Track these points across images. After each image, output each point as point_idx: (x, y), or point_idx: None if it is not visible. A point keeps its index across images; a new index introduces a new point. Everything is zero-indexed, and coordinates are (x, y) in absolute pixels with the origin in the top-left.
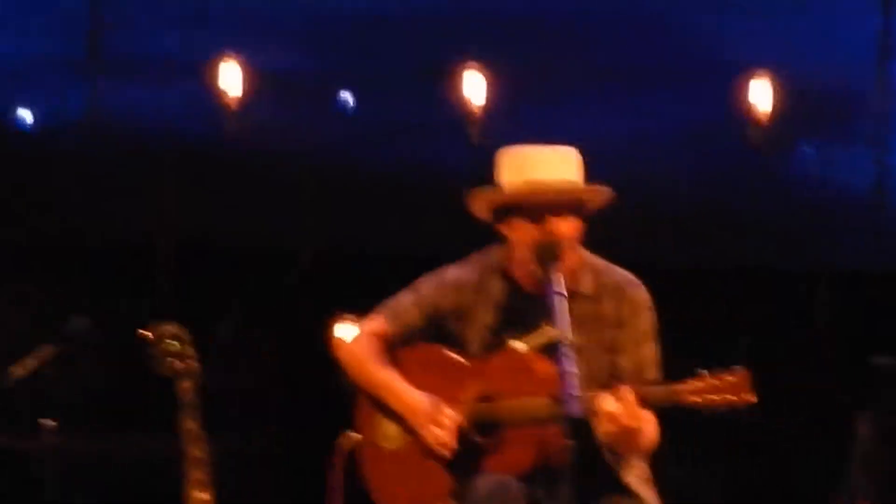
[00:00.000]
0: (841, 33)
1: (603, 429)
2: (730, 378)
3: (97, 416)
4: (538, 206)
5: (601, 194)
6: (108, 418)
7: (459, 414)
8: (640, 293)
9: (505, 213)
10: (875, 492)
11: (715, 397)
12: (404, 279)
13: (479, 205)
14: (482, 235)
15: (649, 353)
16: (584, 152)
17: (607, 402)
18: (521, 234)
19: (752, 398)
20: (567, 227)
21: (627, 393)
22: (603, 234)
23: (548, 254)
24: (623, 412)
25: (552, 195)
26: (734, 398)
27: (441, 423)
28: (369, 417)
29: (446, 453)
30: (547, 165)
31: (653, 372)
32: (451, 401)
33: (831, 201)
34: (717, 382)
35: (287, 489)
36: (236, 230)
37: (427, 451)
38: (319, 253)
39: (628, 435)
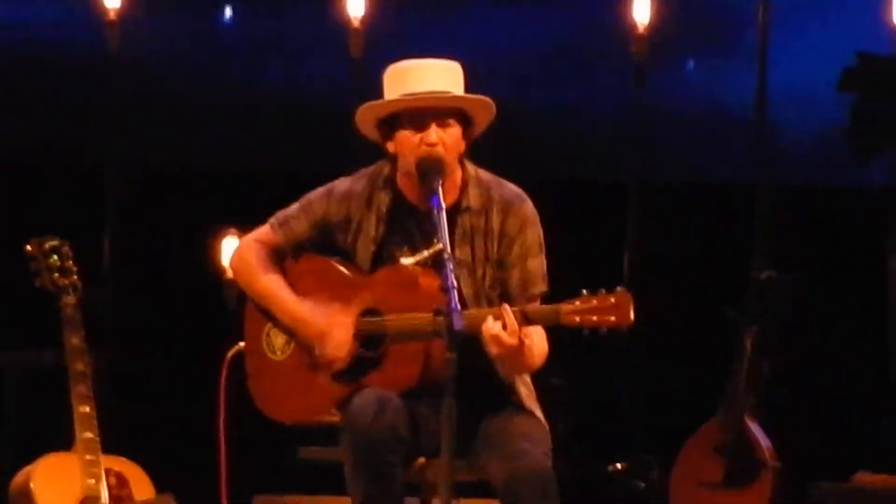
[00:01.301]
0: None
1: (491, 351)
2: (611, 299)
3: None
4: (417, 114)
5: (481, 104)
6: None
7: (349, 325)
8: (527, 207)
9: (389, 127)
10: (758, 406)
11: (595, 318)
12: (288, 197)
13: (364, 120)
14: (363, 151)
15: (536, 266)
16: (466, 67)
17: (489, 324)
18: (404, 145)
19: (631, 320)
20: (448, 137)
21: (507, 312)
22: (488, 151)
23: (430, 169)
24: (504, 332)
25: (430, 102)
26: (614, 319)
27: (334, 338)
28: (256, 327)
29: (337, 368)
30: (428, 77)
31: (541, 285)
32: (337, 314)
33: (712, 116)
34: (597, 303)
35: (174, 402)
36: (115, 145)
37: (313, 364)
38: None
39: (513, 354)
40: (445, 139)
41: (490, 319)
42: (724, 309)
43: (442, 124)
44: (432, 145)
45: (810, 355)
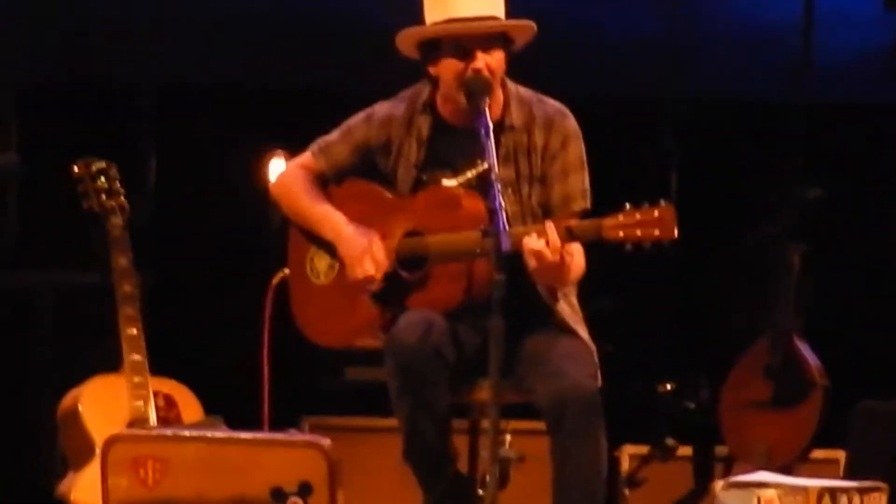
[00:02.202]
0: None
1: (529, 265)
2: (654, 213)
3: (26, 252)
4: (462, 41)
5: (525, 29)
6: (38, 254)
7: (389, 248)
8: (570, 123)
9: (431, 51)
10: (804, 325)
11: (639, 232)
12: (333, 115)
13: (406, 43)
14: (409, 74)
15: (577, 183)
16: None
17: (532, 240)
18: (447, 70)
19: (675, 234)
20: (493, 61)
21: (551, 229)
22: (527, 67)
23: (476, 88)
24: (547, 248)
25: (475, 30)
26: (658, 233)
27: (372, 257)
28: (299, 253)
29: (373, 288)
30: (471, 1)
31: (582, 202)
32: (380, 236)
33: (757, 34)
34: (641, 217)
35: (220, 324)
36: (158, 64)
37: (356, 286)
38: (245, 87)
39: (554, 270)
40: (490, 63)
41: (534, 235)
42: (767, 228)
43: (487, 49)
44: (478, 71)
45: (855, 274)
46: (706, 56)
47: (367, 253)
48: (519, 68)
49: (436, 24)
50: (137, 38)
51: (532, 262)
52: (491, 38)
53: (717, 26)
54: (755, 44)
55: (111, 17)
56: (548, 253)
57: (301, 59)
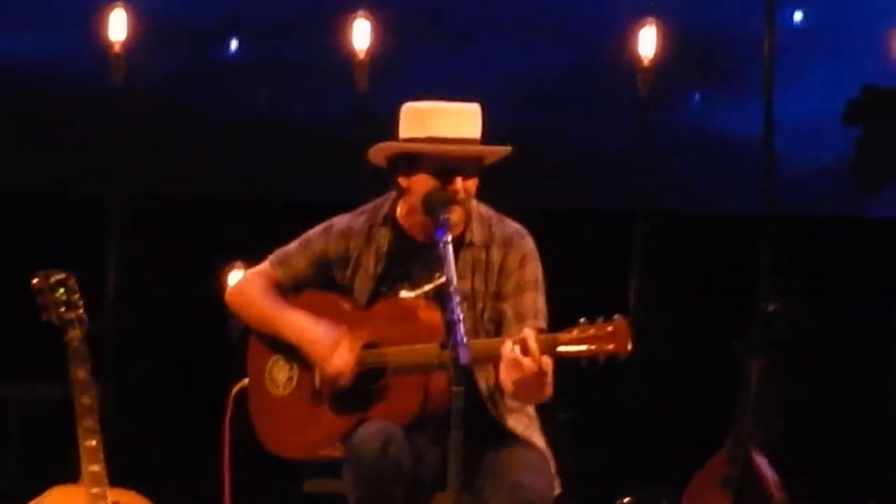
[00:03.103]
0: None
1: (509, 376)
2: (608, 328)
3: None
4: (444, 163)
5: (503, 154)
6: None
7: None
8: (527, 243)
9: (406, 164)
10: (766, 438)
11: (593, 347)
12: (294, 225)
13: (376, 153)
14: (373, 182)
15: (531, 301)
16: (469, 98)
17: (509, 348)
18: (422, 186)
19: (629, 349)
20: (470, 185)
21: (531, 338)
22: (494, 180)
23: (438, 202)
24: (528, 357)
25: (460, 154)
26: (612, 348)
27: (341, 351)
28: (258, 364)
29: (346, 381)
30: (451, 121)
31: (536, 321)
32: (343, 330)
33: (718, 148)
34: (595, 332)
35: (181, 435)
36: (118, 176)
37: (315, 397)
38: (205, 200)
39: (534, 379)
40: (469, 187)
41: (509, 344)
42: (733, 342)
43: (468, 175)
44: (456, 193)
45: (818, 386)
46: (669, 171)
47: (334, 349)
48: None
49: (416, 139)
50: (101, 148)
51: (512, 373)
52: (473, 162)
53: (680, 141)
54: (717, 158)
55: (76, 125)
56: (527, 362)
57: (264, 171)
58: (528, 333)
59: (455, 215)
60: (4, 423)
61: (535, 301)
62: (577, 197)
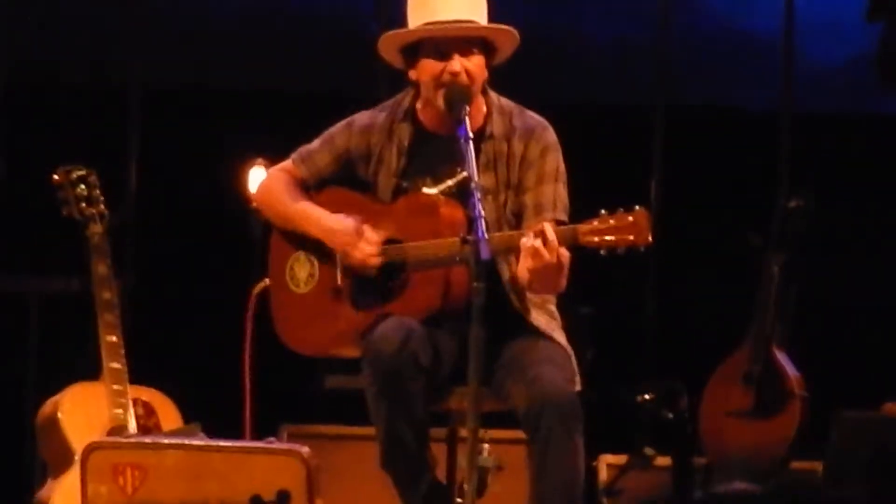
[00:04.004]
0: None
1: (526, 265)
2: (629, 218)
3: (3, 260)
4: (440, 43)
5: (505, 35)
6: (17, 260)
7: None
8: (549, 134)
9: (411, 55)
10: (784, 334)
11: (613, 237)
12: (314, 120)
13: (387, 48)
14: (387, 77)
15: (550, 192)
16: None
17: (529, 238)
18: (426, 73)
19: (649, 240)
20: (471, 66)
21: (549, 230)
22: (511, 75)
23: (457, 97)
24: (546, 248)
25: (453, 32)
26: (633, 238)
27: (367, 239)
28: (280, 262)
29: (374, 267)
30: (451, 4)
31: (553, 211)
32: (366, 220)
33: (739, 42)
34: (615, 222)
35: (201, 332)
36: (138, 69)
37: (335, 294)
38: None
39: (551, 271)
40: (469, 67)
41: (531, 235)
42: (750, 235)
43: (465, 53)
44: (455, 74)
45: (837, 283)
46: (690, 64)
47: (359, 234)
48: (503, 76)
49: (415, 27)
50: (122, 41)
51: (529, 262)
52: (469, 41)
53: (700, 35)
54: (738, 52)
55: (94, 18)
56: (545, 252)
57: (285, 64)
58: (547, 225)
59: (470, 93)
60: (24, 317)
61: (556, 192)
62: (595, 91)
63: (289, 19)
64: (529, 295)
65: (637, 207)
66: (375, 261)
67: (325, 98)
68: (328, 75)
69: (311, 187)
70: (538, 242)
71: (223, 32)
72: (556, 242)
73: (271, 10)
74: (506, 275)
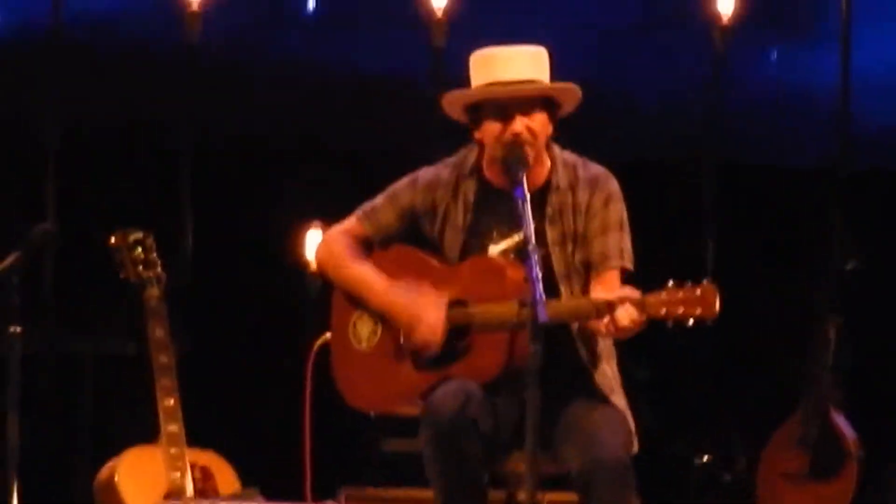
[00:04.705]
0: None
1: (618, 331)
2: (697, 291)
3: (62, 321)
4: (502, 104)
5: (567, 92)
6: (73, 323)
7: (440, 310)
8: (612, 184)
9: (475, 115)
10: (842, 397)
11: (681, 310)
12: (374, 181)
13: (452, 107)
14: (449, 137)
15: (616, 241)
16: (548, 48)
17: (626, 310)
18: (489, 133)
19: (717, 313)
20: (534, 124)
21: (634, 296)
22: (570, 132)
23: (514, 158)
24: (637, 317)
25: (514, 93)
26: (700, 312)
27: (428, 321)
28: (343, 317)
29: (432, 352)
30: (513, 65)
31: (619, 260)
32: (430, 296)
33: (795, 103)
34: (684, 295)
35: (257, 394)
36: (198, 133)
37: (399, 353)
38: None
39: (622, 335)
40: (532, 126)
41: (620, 310)
42: (812, 298)
43: (527, 112)
44: (517, 135)
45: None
46: (743, 122)
47: (423, 316)
48: (561, 133)
49: (478, 87)
50: (181, 105)
51: (624, 331)
52: (531, 101)
53: (753, 92)
54: (793, 110)
55: (156, 83)
56: (638, 323)
57: (341, 125)
58: (626, 296)
59: (527, 155)
60: (79, 379)
61: (621, 241)
62: (650, 151)
63: (345, 78)
64: (599, 346)
65: (705, 281)
66: (434, 349)
67: (380, 156)
68: (384, 134)
69: (375, 245)
70: (634, 314)
71: (280, 90)
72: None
73: (326, 68)
74: (576, 326)
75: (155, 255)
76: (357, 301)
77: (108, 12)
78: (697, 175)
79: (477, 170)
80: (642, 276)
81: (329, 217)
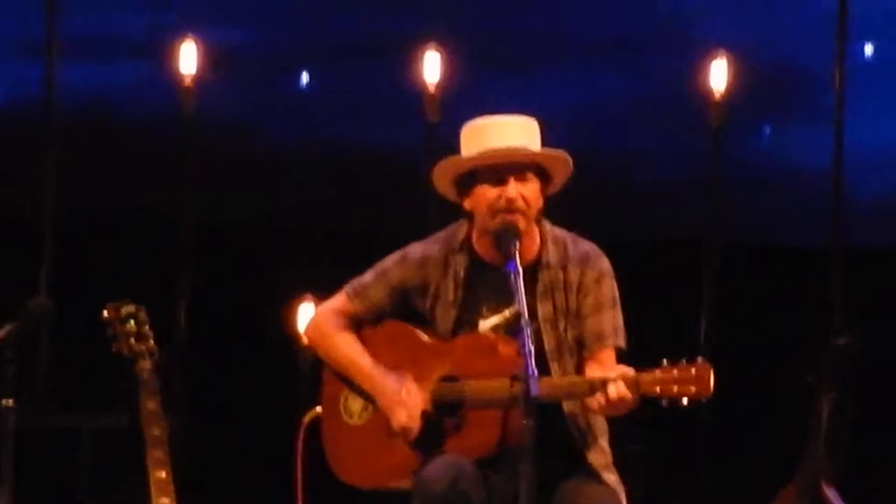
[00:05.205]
0: (799, 11)
1: (610, 409)
2: (692, 371)
3: (55, 395)
4: (495, 169)
5: (559, 162)
6: (67, 397)
7: (424, 392)
8: (603, 261)
9: (466, 184)
10: (836, 471)
11: (675, 388)
12: (365, 259)
13: (441, 177)
14: (441, 214)
15: (610, 319)
16: (541, 125)
17: (618, 388)
18: (482, 200)
19: (711, 392)
20: (527, 192)
21: (619, 384)
22: (562, 209)
23: (506, 234)
24: (630, 396)
25: (509, 157)
26: (695, 390)
27: (407, 406)
28: (333, 392)
29: (410, 437)
30: (506, 133)
31: (614, 339)
32: (417, 380)
33: (788, 180)
34: (678, 374)
35: (250, 467)
36: (190, 208)
37: (391, 430)
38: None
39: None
40: (525, 194)
41: (619, 384)
42: (802, 373)
43: (521, 178)
44: (512, 200)
45: (889, 419)
46: (737, 201)
47: (402, 402)
48: (553, 212)
49: (470, 153)
50: (171, 180)
51: (615, 409)
52: (524, 167)
53: (749, 173)
54: (787, 191)
55: (149, 158)
56: (630, 400)
57: (334, 201)
58: (618, 378)
59: (517, 222)
60: (75, 452)
61: (614, 319)
62: (644, 227)
63: (339, 154)
64: (591, 424)
65: (699, 359)
66: (412, 436)
67: (374, 235)
68: (376, 210)
69: (366, 322)
70: (624, 391)
71: (272, 170)
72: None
73: (322, 145)
74: (568, 404)
75: (147, 328)
76: (345, 380)
77: (102, 88)
78: (695, 253)
79: (467, 244)
80: (636, 354)
81: (321, 291)
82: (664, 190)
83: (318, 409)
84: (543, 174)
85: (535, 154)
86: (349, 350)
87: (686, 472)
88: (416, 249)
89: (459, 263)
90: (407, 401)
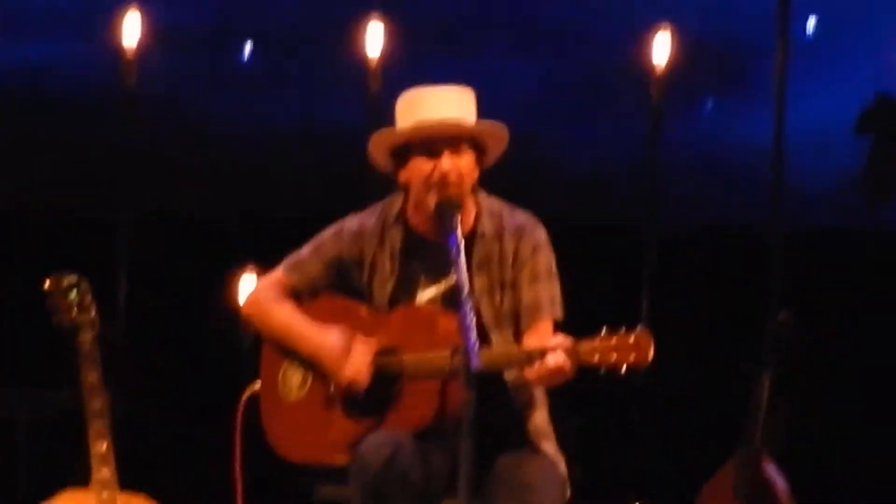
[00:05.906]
0: None
1: (549, 378)
2: (630, 338)
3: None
4: (430, 141)
5: (494, 130)
6: (6, 372)
7: (372, 345)
8: (539, 232)
9: (401, 156)
10: (774, 448)
11: (614, 357)
12: (303, 235)
13: (377, 149)
14: (380, 188)
15: (546, 291)
16: (482, 103)
17: (556, 357)
18: (416, 173)
19: (650, 360)
20: (462, 165)
21: (559, 353)
22: (501, 190)
23: (447, 208)
24: (570, 364)
25: (442, 129)
26: (633, 358)
27: (354, 359)
28: (272, 369)
29: (359, 389)
30: (440, 104)
31: (550, 310)
32: (357, 337)
33: (729, 157)
34: (617, 342)
35: (191, 439)
36: (131, 183)
37: (328, 403)
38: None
39: (553, 381)
40: (460, 165)
41: (550, 356)
42: (741, 363)
43: (455, 151)
44: (445, 174)
45: (827, 397)
46: (679, 182)
47: (348, 355)
48: (491, 187)
49: (405, 125)
50: (117, 156)
51: (554, 378)
52: (459, 140)
53: (690, 151)
54: (727, 170)
55: (90, 132)
56: (569, 368)
57: (276, 178)
58: (565, 340)
59: (460, 201)
60: (14, 429)
61: (551, 290)
62: (584, 208)
63: (279, 132)
64: (531, 395)
65: (639, 327)
66: (360, 388)
67: (318, 212)
68: (320, 188)
69: (303, 295)
70: (564, 360)
71: (211, 146)
72: (563, 361)
73: (261, 124)
74: (507, 374)
75: (90, 298)
76: (286, 349)
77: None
78: (634, 235)
79: (402, 217)
80: (575, 325)
81: (264, 265)
82: (606, 169)
83: (257, 385)
84: (479, 146)
85: (472, 125)
86: (286, 317)
87: (625, 447)
88: (352, 222)
89: (395, 236)
90: (354, 353)
